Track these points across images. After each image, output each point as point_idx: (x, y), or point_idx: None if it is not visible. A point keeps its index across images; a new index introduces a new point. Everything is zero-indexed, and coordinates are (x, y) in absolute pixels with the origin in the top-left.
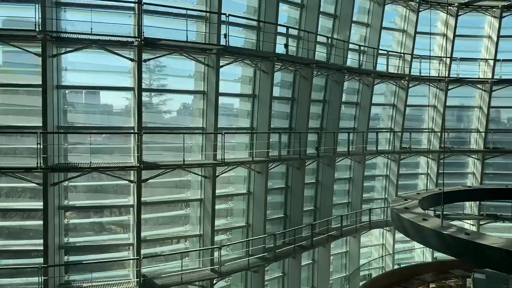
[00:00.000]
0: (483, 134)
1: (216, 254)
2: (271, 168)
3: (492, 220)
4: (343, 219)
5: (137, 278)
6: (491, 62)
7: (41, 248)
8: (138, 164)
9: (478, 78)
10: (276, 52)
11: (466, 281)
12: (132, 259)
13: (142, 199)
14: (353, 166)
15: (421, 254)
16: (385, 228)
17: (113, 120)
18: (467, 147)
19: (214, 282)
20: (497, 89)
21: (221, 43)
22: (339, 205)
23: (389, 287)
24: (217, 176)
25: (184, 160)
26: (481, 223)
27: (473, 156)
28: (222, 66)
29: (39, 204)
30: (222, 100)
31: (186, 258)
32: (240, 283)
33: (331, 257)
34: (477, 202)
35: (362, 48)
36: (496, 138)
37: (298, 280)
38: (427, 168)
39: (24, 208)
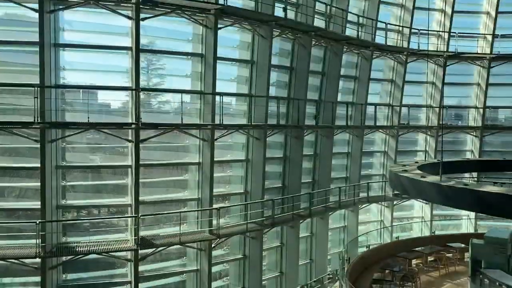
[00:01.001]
0: (481, 110)
1: (214, 222)
2: (270, 135)
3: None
4: (342, 193)
5: (135, 236)
6: (489, 37)
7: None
8: (136, 122)
9: (476, 53)
10: (275, 15)
11: (464, 255)
12: (130, 216)
13: (141, 161)
14: (352, 141)
15: (418, 231)
16: (383, 203)
17: (111, 81)
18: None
19: (213, 245)
20: (495, 66)
21: (219, 3)
22: (337, 179)
23: (387, 258)
24: (216, 139)
25: (182, 120)
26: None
27: (472, 133)
28: (220, 28)
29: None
30: (220, 67)
31: (184, 224)
32: (238, 250)
33: (329, 232)
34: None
35: (361, 20)
36: (494, 116)
37: (296, 250)
38: (426, 145)
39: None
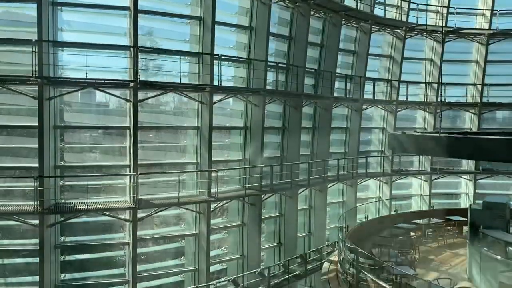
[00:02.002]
0: (479, 87)
1: (213, 189)
2: (269, 103)
3: (489, 175)
4: (340, 168)
5: (133, 194)
6: (488, 14)
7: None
8: (134, 79)
9: (475, 28)
10: None
11: (463, 229)
12: (128, 174)
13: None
14: (350, 116)
15: (417, 208)
16: (381, 179)
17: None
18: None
19: (212, 209)
20: (494, 42)
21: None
22: (336, 153)
23: (385, 228)
24: (214, 103)
25: (180, 80)
26: (477, 177)
27: (470, 110)
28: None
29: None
30: (219, 34)
31: (183, 190)
32: (237, 217)
33: (328, 209)
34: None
35: None
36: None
37: (295, 221)
38: (424, 122)
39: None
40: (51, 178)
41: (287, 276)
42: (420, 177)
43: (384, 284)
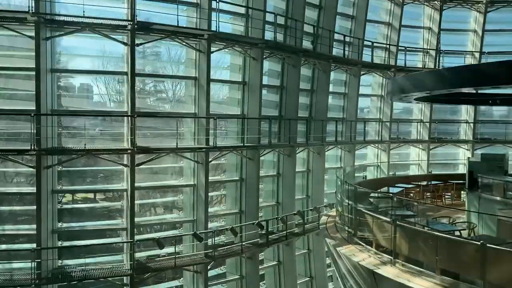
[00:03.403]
0: (476, 55)
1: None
2: (267, 57)
3: (486, 144)
4: (338, 130)
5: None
6: None
7: None
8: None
9: None
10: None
11: (461, 194)
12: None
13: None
14: (348, 81)
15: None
16: (379, 146)
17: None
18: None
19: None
20: (492, 10)
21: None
22: (334, 119)
23: (383, 187)
24: (212, 52)
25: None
26: (475, 147)
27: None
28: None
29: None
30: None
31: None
32: (235, 172)
33: (326, 176)
34: (472, 129)
35: None
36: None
37: (293, 180)
38: None
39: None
40: (48, 119)
41: (284, 233)
42: (418, 146)
43: (383, 218)
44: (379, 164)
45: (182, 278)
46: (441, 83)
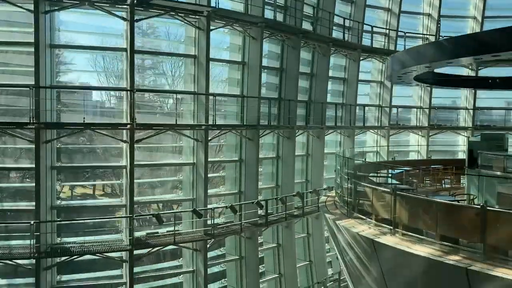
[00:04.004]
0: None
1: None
2: (266, 38)
3: (486, 131)
4: (338, 115)
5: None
6: None
7: None
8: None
9: None
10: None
11: (460, 178)
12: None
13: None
14: (348, 66)
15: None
16: (379, 132)
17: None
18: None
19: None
20: None
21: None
22: (333, 103)
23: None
24: (212, 30)
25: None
26: (475, 134)
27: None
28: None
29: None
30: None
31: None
32: (235, 152)
33: (325, 162)
34: (471, 115)
35: None
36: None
37: (292, 163)
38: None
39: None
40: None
41: (284, 214)
42: (417, 132)
43: (384, 189)
44: (378, 150)
45: (181, 258)
46: (441, 52)
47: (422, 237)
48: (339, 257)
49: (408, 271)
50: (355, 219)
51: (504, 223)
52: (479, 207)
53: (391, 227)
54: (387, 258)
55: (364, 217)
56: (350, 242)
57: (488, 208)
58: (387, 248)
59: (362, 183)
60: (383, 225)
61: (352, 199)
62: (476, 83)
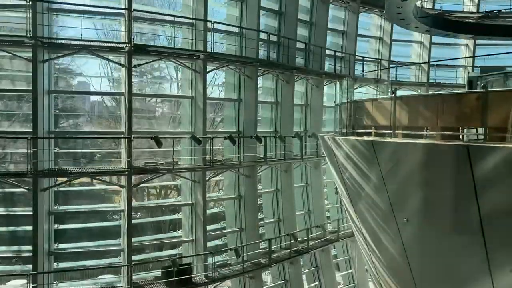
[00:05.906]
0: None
1: None
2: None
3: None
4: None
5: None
6: None
7: None
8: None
9: None
10: None
11: None
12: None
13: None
14: (347, 19)
15: None
16: (378, 88)
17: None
18: None
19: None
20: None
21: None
22: (332, 56)
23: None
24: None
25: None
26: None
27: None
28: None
29: None
30: None
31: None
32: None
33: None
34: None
35: None
36: None
37: (291, 108)
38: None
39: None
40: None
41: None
42: (417, 90)
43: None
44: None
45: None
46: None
47: (422, 132)
48: (337, 182)
49: (408, 166)
50: (355, 136)
51: (504, 102)
52: (481, 90)
53: (391, 131)
54: (386, 158)
55: (364, 131)
56: (349, 154)
57: (489, 90)
58: (387, 146)
59: (361, 99)
60: (383, 131)
61: (352, 119)
62: (475, 28)
